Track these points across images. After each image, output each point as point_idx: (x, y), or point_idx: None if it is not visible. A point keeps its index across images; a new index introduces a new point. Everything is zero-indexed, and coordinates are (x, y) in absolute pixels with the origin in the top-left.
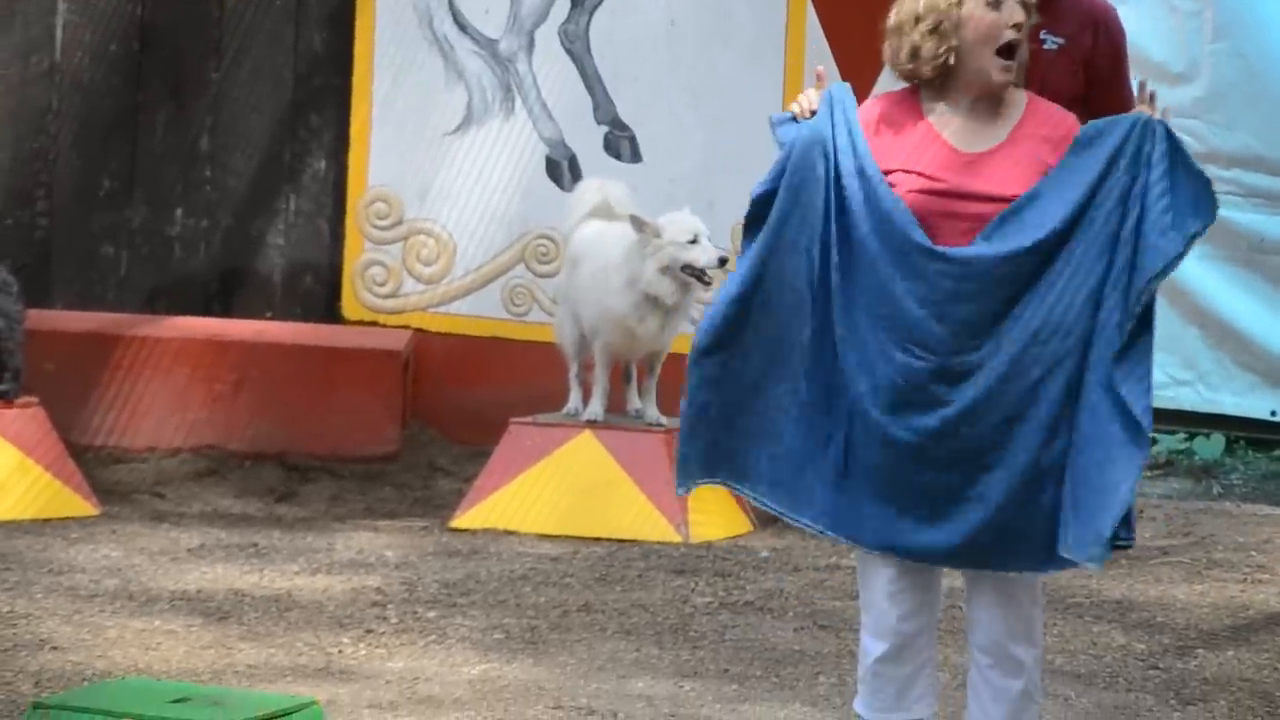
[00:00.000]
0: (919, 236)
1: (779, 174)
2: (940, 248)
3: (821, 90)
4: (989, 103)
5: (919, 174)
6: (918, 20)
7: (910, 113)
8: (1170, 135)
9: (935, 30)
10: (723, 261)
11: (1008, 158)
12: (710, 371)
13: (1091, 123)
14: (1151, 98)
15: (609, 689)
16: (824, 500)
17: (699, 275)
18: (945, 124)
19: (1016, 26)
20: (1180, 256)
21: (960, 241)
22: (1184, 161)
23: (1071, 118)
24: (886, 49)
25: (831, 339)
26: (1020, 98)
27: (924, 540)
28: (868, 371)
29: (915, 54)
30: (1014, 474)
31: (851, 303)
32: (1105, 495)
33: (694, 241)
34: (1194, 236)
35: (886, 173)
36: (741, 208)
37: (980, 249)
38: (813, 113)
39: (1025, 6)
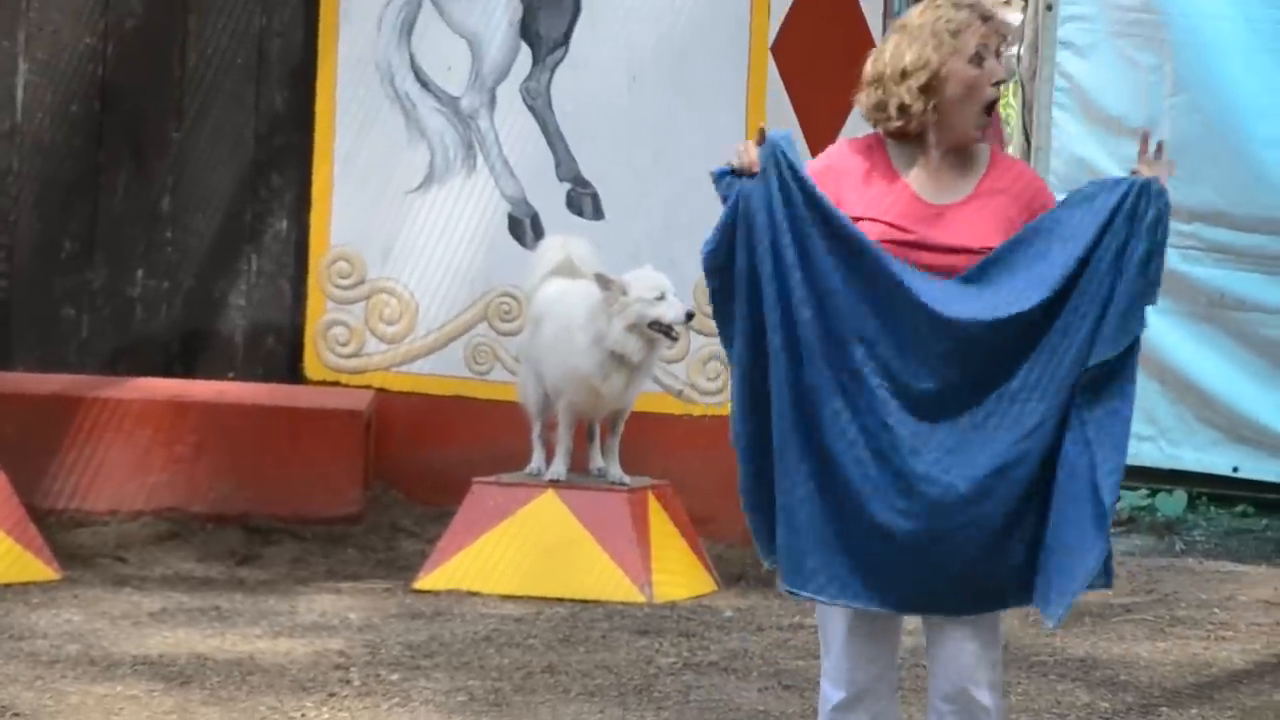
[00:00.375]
0: (921, 295)
1: (726, 231)
2: (941, 312)
3: (758, 144)
4: (958, 155)
5: (885, 223)
6: (904, 75)
7: (877, 161)
8: (1165, 207)
9: (925, 87)
10: (689, 316)
11: (975, 211)
12: (746, 451)
13: (1091, 180)
14: (1158, 149)
15: None
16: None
17: (667, 331)
18: (913, 175)
19: (998, 84)
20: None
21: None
22: (1159, 248)
23: (1037, 178)
24: (865, 99)
25: (808, 395)
26: (984, 151)
27: (888, 595)
28: (843, 426)
29: (904, 110)
30: (985, 530)
31: (823, 355)
32: (1077, 557)
33: (661, 298)
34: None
35: (855, 220)
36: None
37: (976, 311)
38: (751, 171)
39: (1004, 62)
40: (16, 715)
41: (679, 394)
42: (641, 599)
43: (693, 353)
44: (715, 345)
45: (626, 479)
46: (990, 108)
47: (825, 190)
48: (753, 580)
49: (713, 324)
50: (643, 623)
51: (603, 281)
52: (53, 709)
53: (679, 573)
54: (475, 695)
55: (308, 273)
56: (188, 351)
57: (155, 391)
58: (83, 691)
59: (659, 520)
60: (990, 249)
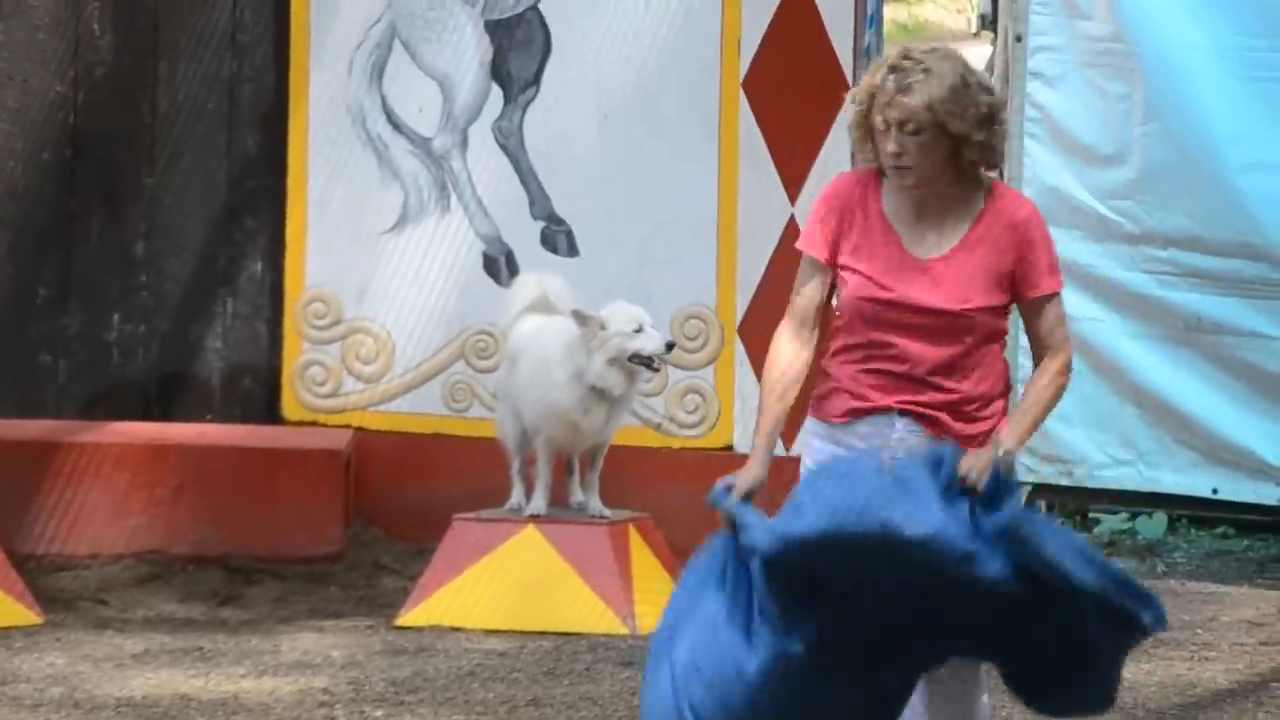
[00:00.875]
0: None
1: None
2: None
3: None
4: (938, 199)
5: (868, 278)
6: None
7: (871, 199)
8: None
9: (861, 141)
10: (670, 346)
11: (959, 266)
12: None
13: None
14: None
15: None
16: None
17: (648, 363)
18: (899, 218)
19: (895, 156)
20: None
21: (908, 344)
22: None
23: (1024, 211)
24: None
25: None
26: (978, 193)
27: None
28: None
29: (855, 155)
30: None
31: None
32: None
33: (639, 330)
34: None
35: (841, 267)
36: (678, 298)
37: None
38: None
39: (908, 135)
40: None
41: (658, 427)
42: (625, 630)
43: (671, 386)
44: (693, 378)
45: (607, 512)
46: (897, 172)
47: (830, 220)
48: None
49: (691, 357)
50: (627, 654)
51: (580, 317)
52: None
53: (661, 604)
54: None
55: (283, 314)
56: (165, 395)
57: (134, 435)
58: None
59: (640, 553)
60: (970, 310)
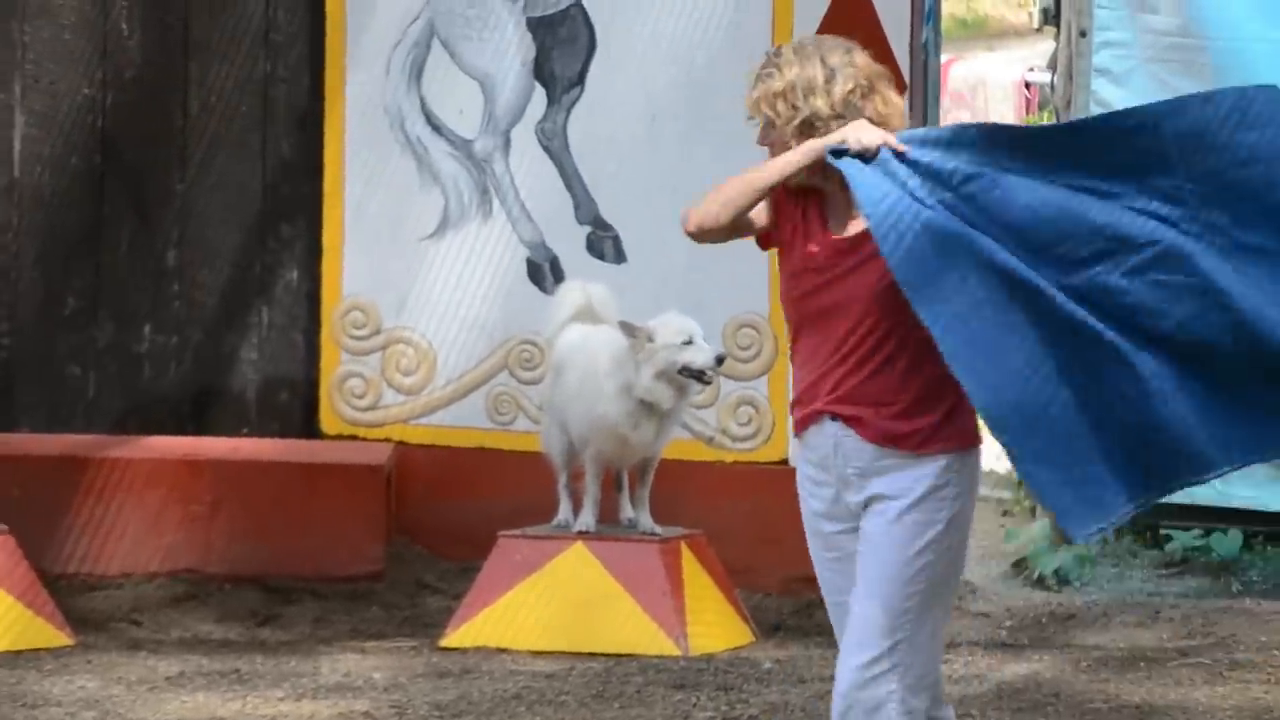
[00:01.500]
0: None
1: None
2: None
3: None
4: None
5: (798, 251)
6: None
7: (813, 172)
8: None
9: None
10: (720, 360)
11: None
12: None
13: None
14: None
15: None
16: None
17: (698, 376)
18: (826, 195)
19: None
20: None
21: (830, 328)
22: None
23: None
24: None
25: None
26: None
27: None
28: None
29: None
30: None
31: None
32: None
33: (689, 342)
34: None
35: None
36: (729, 306)
37: None
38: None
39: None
40: None
41: (710, 440)
42: (677, 652)
43: (723, 397)
44: (746, 389)
45: (658, 529)
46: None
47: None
48: (792, 630)
49: (743, 367)
50: (679, 676)
51: (628, 329)
52: None
53: (715, 624)
54: None
55: (321, 324)
56: (199, 408)
57: (167, 450)
58: None
59: (693, 571)
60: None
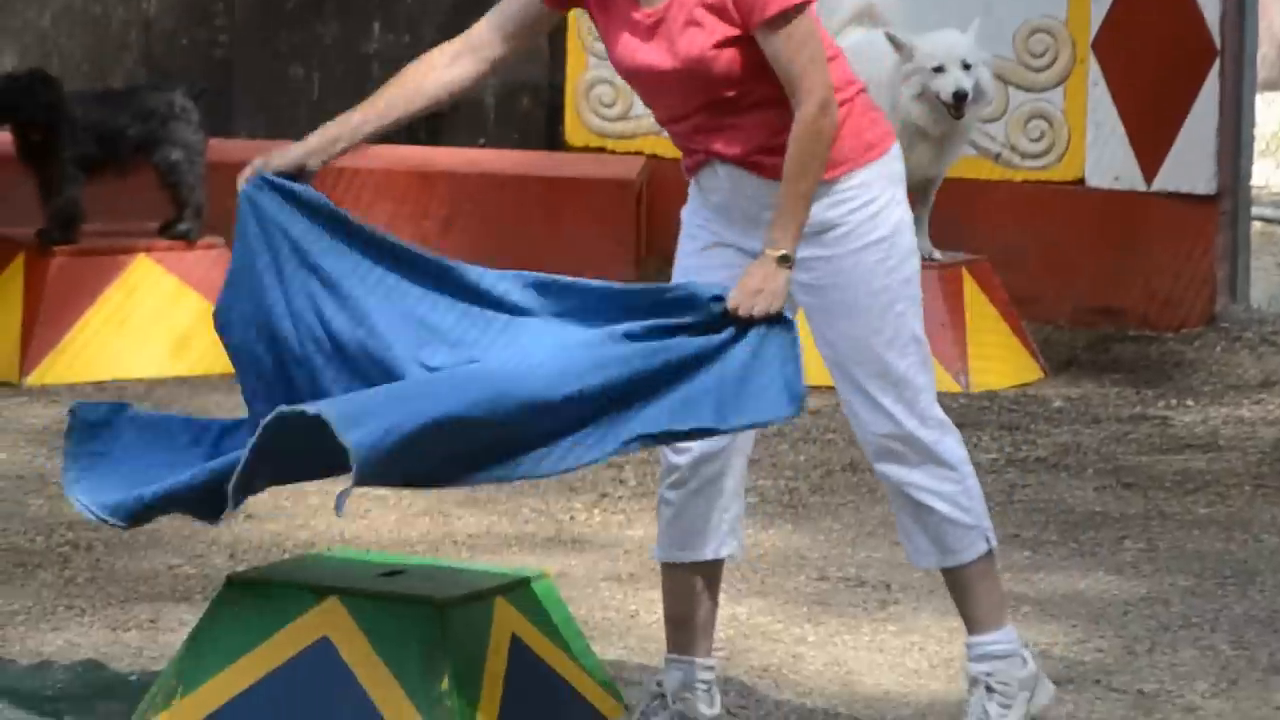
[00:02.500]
0: None
1: None
2: None
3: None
4: None
5: (615, 38)
6: None
7: None
8: None
9: None
10: (959, 97)
11: (674, 21)
12: None
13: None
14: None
15: (880, 557)
16: None
17: (948, 105)
18: None
19: None
20: None
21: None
22: None
23: None
24: None
25: None
26: None
27: None
28: None
29: None
30: None
31: None
32: None
33: (939, 69)
34: None
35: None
36: (1022, 8)
37: None
38: None
39: None
40: (251, 517)
41: (997, 157)
42: (957, 388)
43: (1013, 110)
44: (1039, 101)
45: (938, 254)
46: None
47: None
48: (1084, 366)
49: (1036, 77)
50: (958, 415)
51: (894, 42)
52: (291, 511)
53: (999, 359)
54: (767, 496)
55: (567, 25)
56: (433, 115)
57: (398, 160)
58: (325, 492)
59: (975, 300)
60: (705, 61)
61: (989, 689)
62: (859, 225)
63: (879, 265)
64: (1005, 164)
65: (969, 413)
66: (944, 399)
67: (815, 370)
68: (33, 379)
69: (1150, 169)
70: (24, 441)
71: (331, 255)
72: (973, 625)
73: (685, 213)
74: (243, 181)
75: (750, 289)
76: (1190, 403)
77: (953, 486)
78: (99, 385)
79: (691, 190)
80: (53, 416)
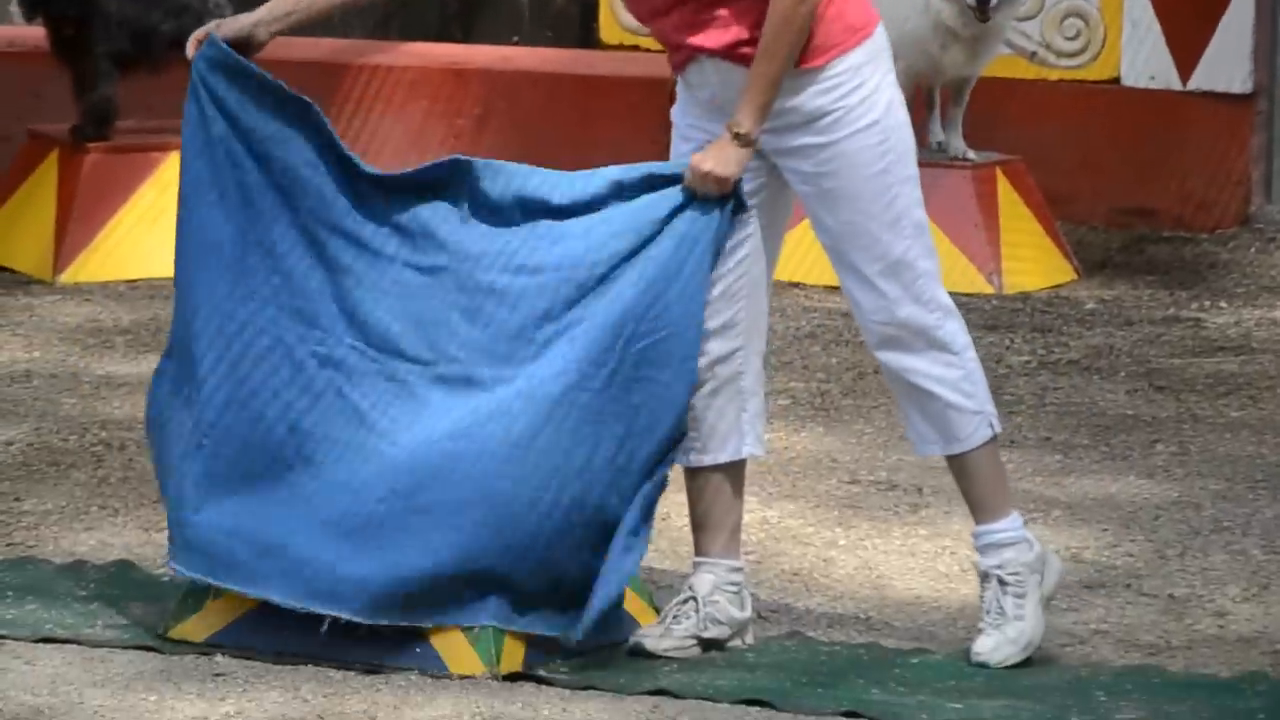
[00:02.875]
0: None
1: None
2: None
3: None
4: None
5: None
6: None
7: None
8: None
9: None
10: (983, 1)
11: None
12: None
13: None
14: None
15: (912, 461)
16: None
17: (972, 8)
18: None
19: None
20: None
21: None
22: None
23: None
24: None
25: None
26: None
27: None
28: None
29: None
30: None
31: None
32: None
33: None
34: None
35: None
36: None
37: None
38: None
39: None
40: None
41: (1032, 56)
42: (989, 289)
43: (1048, 8)
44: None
45: (971, 154)
46: None
47: None
48: (1119, 267)
49: None
50: (991, 316)
51: None
52: None
53: (1032, 260)
54: (799, 399)
55: None
56: (467, 11)
57: (431, 57)
58: None
59: (1009, 200)
60: None
61: (1001, 582)
62: (851, 110)
63: (874, 149)
64: (1040, 63)
65: (1001, 314)
66: (976, 300)
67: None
68: (66, 277)
69: (1186, 68)
70: (57, 340)
71: (281, 144)
72: (979, 512)
73: (675, 113)
74: (193, 48)
75: (702, 169)
76: (1224, 304)
77: (955, 372)
78: (132, 284)
79: (679, 88)
80: (86, 315)
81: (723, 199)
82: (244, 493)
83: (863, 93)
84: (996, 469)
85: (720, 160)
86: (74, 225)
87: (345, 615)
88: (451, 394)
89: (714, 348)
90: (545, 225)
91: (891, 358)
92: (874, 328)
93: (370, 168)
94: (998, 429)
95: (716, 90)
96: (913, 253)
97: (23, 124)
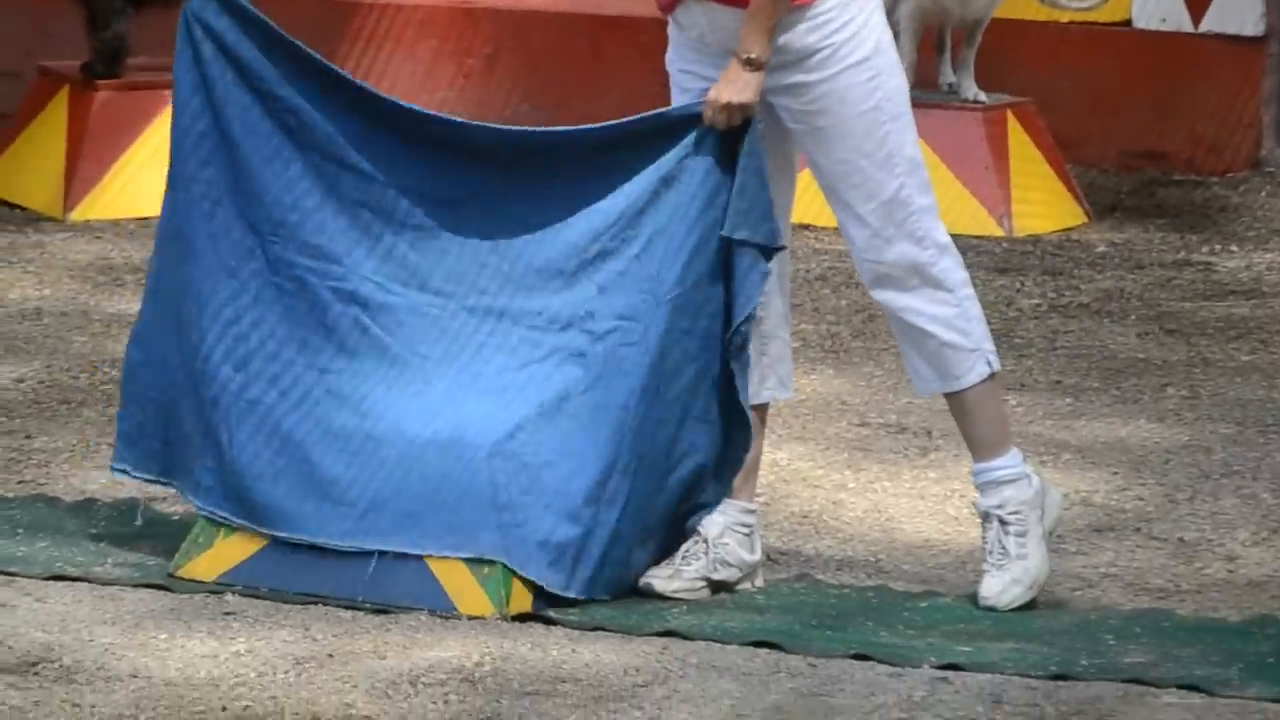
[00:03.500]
0: None
1: None
2: None
3: None
4: None
5: None
6: None
7: None
8: None
9: None
10: None
11: None
12: None
13: None
14: None
15: (922, 404)
16: None
17: None
18: None
19: None
20: None
21: None
22: None
23: None
24: None
25: None
26: None
27: None
28: None
29: None
30: None
31: None
32: None
33: None
34: None
35: None
36: None
37: None
38: None
39: None
40: None
41: None
42: (1000, 232)
43: None
44: None
45: (982, 96)
46: None
47: None
48: (1129, 211)
49: None
50: (1001, 260)
51: None
52: None
53: (1043, 203)
54: (809, 341)
55: None
56: None
57: None
58: None
59: (1019, 143)
60: None
61: (1002, 522)
62: (840, 47)
63: (864, 85)
64: (1051, 5)
65: (1012, 257)
66: (987, 243)
67: None
68: (76, 214)
69: (1198, 10)
70: (68, 277)
71: (284, 83)
72: (978, 450)
73: (669, 60)
74: None
75: (722, 101)
76: (1234, 248)
77: (949, 310)
78: (142, 221)
79: (671, 31)
80: (96, 252)
81: (741, 128)
82: (274, 433)
83: (851, 29)
84: (995, 407)
85: (737, 88)
86: (84, 163)
87: (405, 550)
88: (480, 327)
89: None
90: (567, 172)
91: (887, 297)
92: (868, 266)
93: (387, 97)
94: (996, 367)
95: (705, 32)
96: (906, 190)
97: (33, 60)
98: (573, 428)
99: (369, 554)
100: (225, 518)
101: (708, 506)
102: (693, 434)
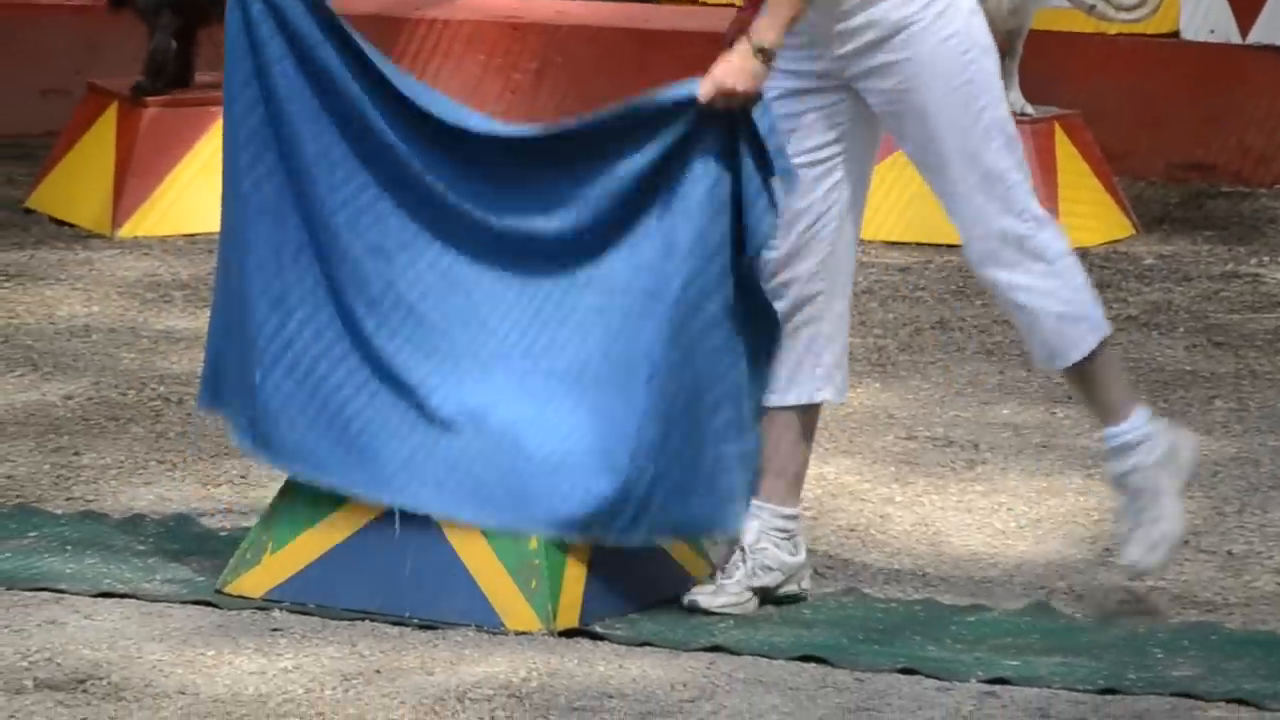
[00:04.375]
0: None
1: None
2: None
3: None
4: None
5: None
6: None
7: None
8: None
9: None
10: None
11: None
12: None
13: None
14: None
15: (969, 417)
16: None
17: None
18: None
19: None
20: None
21: None
22: None
23: None
24: None
25: None
26: None
27: None
28: None
29: None
30: None
31: None
32: None
33: None
34: None
35: None
36: None
37: None
38: None
39: None
40: None
41: (1091, 9)
42: None
43: None
44: None
45: (1029, 108)
46: None
47: None
48: (1177, 223)
49: None
50: None
51: None
52: None
53: (1090, 215)
54: (856, 354)
55: None
56: None
57: (488, 12)
58: None
59: (1066, 155)
60: None
61: (1134, 489)
62: (930, 22)
63: (957, 60)
64: (1099, 16)
65: None
66: None
67: (903, 228)
68: (125, 231)
69: (1246, 21)
70: (116, 294)
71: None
72: (1103, 415)
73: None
74: None
75: (725, 86)
76: None
77: (1053, 282)
78: (190, 238)
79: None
80: (144, 269)
81: (740, 121)
82: (307, 377)
83: (939, 5)
84: (1112, 371)
85: (744, 77)
86: (133, 179)
87: (429, 512)
88: (505, 294)
89: (794, 291)
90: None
91: (991, 274)
92: (974, 243)
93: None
94: (1106, 331)
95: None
96: (1004, 163)
97: (82, 78)
98: (601, 384)
99: (405, 554)
100: (252, 450)
101: (747, 428)
102: (717, 364)
